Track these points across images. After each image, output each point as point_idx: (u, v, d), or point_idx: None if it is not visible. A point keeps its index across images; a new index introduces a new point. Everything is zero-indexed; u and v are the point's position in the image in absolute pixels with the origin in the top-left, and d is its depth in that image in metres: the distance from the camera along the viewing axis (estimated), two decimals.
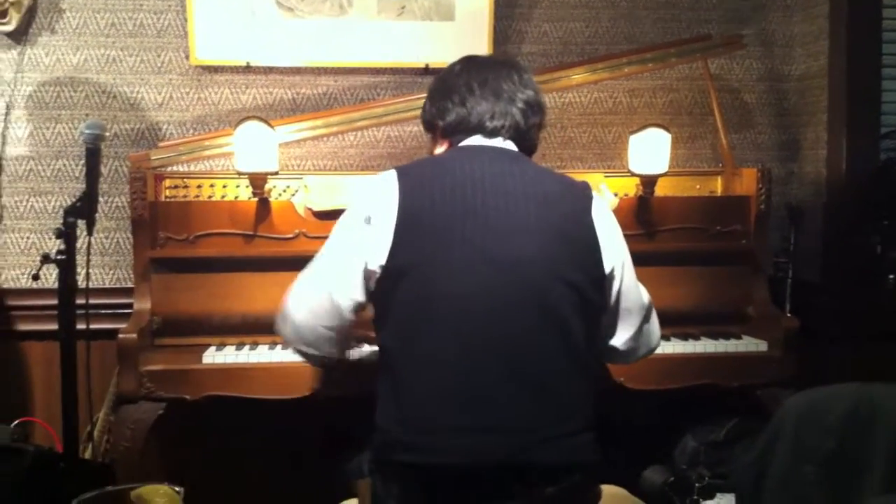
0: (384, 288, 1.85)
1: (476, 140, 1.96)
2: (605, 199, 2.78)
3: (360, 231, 1.86)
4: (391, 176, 1.89)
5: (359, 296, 1.89)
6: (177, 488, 1.43)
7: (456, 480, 1.77)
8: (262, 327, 2.62)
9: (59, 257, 2.23)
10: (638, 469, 2.71)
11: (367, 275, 1.86)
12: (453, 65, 2.06)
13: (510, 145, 1.96)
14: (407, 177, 1.88)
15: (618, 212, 2.75)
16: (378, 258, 1.83)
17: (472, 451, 1.76)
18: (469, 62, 2.05)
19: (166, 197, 2.78)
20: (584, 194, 1.92)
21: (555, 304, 1.80)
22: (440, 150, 2.04)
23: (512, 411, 1.77)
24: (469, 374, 1.77)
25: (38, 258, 2.26)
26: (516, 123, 1.96)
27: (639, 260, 2.64)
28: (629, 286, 1.96)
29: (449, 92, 2.00)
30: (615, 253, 1.91)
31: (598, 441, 1.86)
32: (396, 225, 1.82)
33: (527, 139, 2.00)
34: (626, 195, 2.85)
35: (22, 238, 2.99)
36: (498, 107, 1.96)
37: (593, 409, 1.88)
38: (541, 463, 1.78)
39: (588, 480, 1.88)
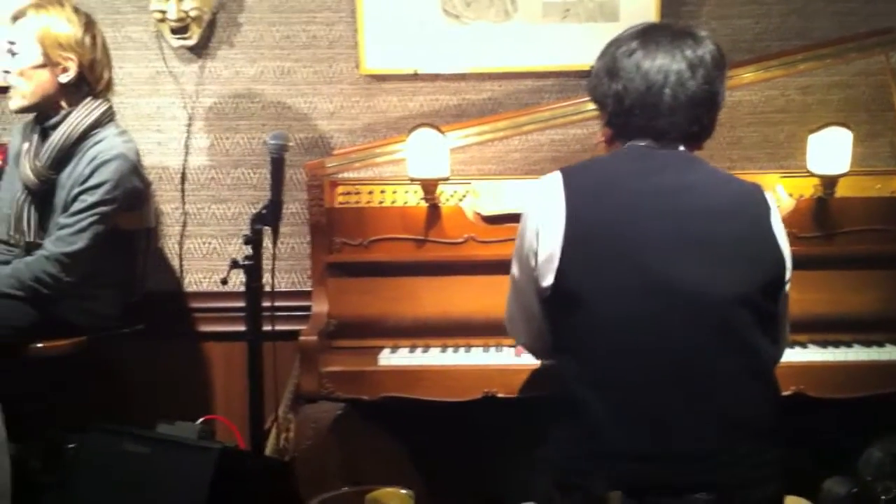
0: (552, 307, 1.82)
1: (645, 143, 1.85)
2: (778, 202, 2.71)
3: (530, 248, 1.82)
4: (556, 182, 1.82)
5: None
6: (407, 491, 1.46)
7: None
8: (432, 330, 2.68)
9: (246, 263, 2.33)
10: (819, 479, 2.62)
11: (541, 293, 1.83)
12: (630, 37, 1.88)
13: (680, 146, 1.86)
14: (573, 185, 1.81)
15: (795, 213, 2.68)
16: (547, 278, 1.79)
17: (654, 477, 1.72)
18: (647, 38, 1.86)
19: (339, 203, 2.86)
20: (762, 201, 1.83)
21: (736, 326, 1.73)
22: (603, 138, 1.96)
23: (694, 436, 1.72)
24: (647, 401, 1.72)
25: (221, 262, 2.38)
26: (687, 123, 1.84)
27: (818, 263, 2.59)
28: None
29: (617, 73, 1.85)
30: (790, 261, 1.84)
31: (782, 456, 1.80)
32: (564, 243, 1.76)
33: (699, 137, 1.89)
34: (801, 196, 2.76)
35: (203, 243, 3.14)
36: (667, 103, 1.81)
37: (778, 423, 1.81)
38: (727, 485, 1.72)
39: (773, 498, 1.82)
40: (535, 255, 1.80)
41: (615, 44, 1.90)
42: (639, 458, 1.71)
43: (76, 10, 2.72)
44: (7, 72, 2.71)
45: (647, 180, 1.79)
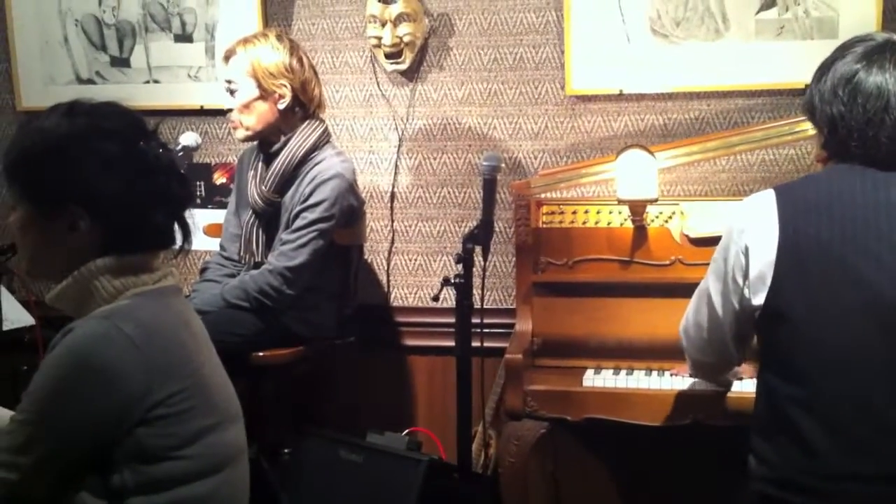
0: (764, 326, 1.81)
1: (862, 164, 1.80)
2: None
3: (737, 267, 1.81)
4: (769, 199, 1.80)
5: (735, 332, 1.90)
6: None
7: None
8: (636, 352, 2.66)
9: (457, 280, 2.40)
10: None
11: (747, 310, 1.82)
12: (854, 49, 1.81)
13: None
14: (787, 202, 1.79)
15: None
16: (758, 296, 1.78)
17: (875, 500, 1.68)
18: (866, 60, 1.79)
19: (544, 223, 2.88)
20: None
21: None
22: (818, 159, 1.91)
23: None
24: (868, 421, 1.69)
25: (427, 278, 2.44)
26: None
27: None
28: None
29: (835, 97, 1.79)
30: None
31: None
32: (777, 260, 1.75)
33: None
34: None
35: (410, 260, 3.25)
36: (889, 128, 1.76)
37: None
38: None
39: None
40: (745, 273, 1.80)
41: (831, 67, 1.84)
42: (861, 480, 1.69)
43: (279, 37, 2.86)
44: (230, 109, 2.88)
45: (865, 197, 1.75)
